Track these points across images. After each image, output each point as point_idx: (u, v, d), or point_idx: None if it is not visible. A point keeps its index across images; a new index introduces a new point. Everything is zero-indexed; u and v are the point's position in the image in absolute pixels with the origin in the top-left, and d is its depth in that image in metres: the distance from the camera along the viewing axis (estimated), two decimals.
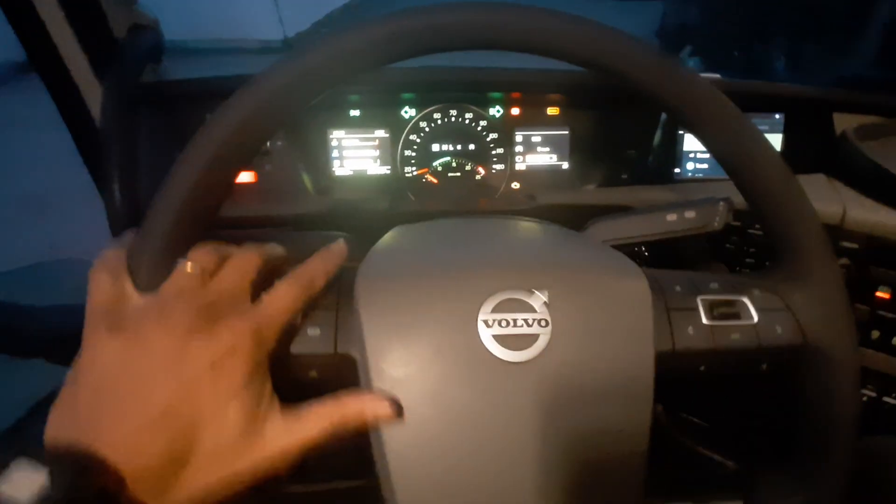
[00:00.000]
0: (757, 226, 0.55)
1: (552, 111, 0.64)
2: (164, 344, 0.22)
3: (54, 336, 0.60)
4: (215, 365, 0.22)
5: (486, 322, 0.26)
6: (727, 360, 0.29)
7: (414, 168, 0.63)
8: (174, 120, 0.54)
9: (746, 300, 0.30)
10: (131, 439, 0.20)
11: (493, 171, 0.65)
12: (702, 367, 0.30)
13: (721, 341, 0.29)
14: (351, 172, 0.62)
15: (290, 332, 0.26)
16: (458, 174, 0.64)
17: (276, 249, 0.27)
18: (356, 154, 0.62)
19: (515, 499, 0.25)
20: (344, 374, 0.27)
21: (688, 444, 0.50)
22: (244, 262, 0.25)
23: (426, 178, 0.64)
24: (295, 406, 0.25)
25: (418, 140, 0.63)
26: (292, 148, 0.59)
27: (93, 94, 0.50)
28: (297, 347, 0.26)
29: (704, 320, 0.29)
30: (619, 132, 0.63)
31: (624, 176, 0.63)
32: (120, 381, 0.21)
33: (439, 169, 0.64)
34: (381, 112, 0.61)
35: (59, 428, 0.21)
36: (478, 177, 0.65)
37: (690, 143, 0.64)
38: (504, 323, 0.26)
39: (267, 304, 0.25)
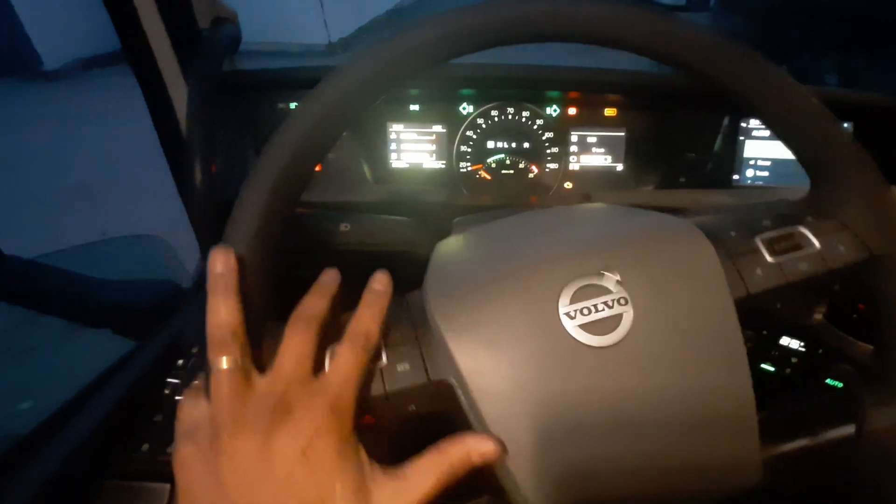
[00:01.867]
0: None
1: (609, 112, 0.64)
2: (249, 451, 0.22)
3: (119, 308, 0.64)
4: (305, 452, 0.22)
5: (568, 315, 0.26)
6: (801, 290, 0.29)
7: (468, 164, 0.64)
8: (246, 108, 0.57)
9: (803, 229, 0.30)
10: None
11: (547, 169, 0.65)
12: (778, 304, 0.30)
13: (791, 275, 0.29)
14: (407, 165, 0.64)
15: (364, 393, 0.26)
16: (512, 171, 0.65)
17: (318, 309, 0.26)
18: (413, 147, 0.64)
19: (638, 477, 0.26)
20: (443, 401, 0.27)
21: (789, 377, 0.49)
22: (296, 343, 0.25)
23: (480, 174, 0.65)
24: (399, 466, 0.25)
25: (474, 136, 0.64)
26: (354, 139, 0.61)
27: (176, 82, 0.53)
28: (391, 385, 0.26)
29: (769, 258, 0.29)
30: (678, 135, 0.62)
31: (682, 179, 0.62)
32: (221, 500, 0.22)
33: (493, 166, 0.65)
34: (439, 107, 0.63)
35: None
36: (531, 175, 0.65)
37: (751, 149, 0.63)
38: (586, 311, 0.26)
39: (333, 375, 0.24)
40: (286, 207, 0.26)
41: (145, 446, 0.43)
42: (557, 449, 0.25)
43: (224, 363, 0.23)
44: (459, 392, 0.26)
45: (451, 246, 0.32)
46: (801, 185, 0.33)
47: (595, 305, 0.26)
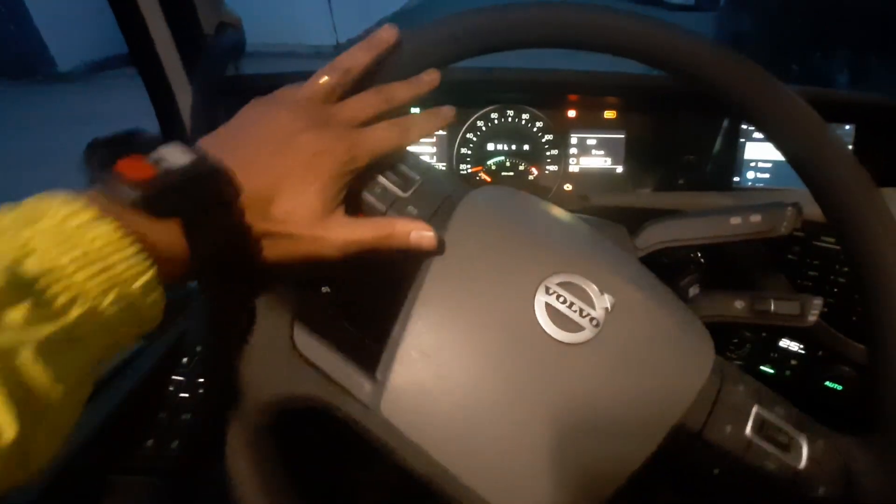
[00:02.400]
0: (823, 237, 0.54)
1: (609, 114, 0.64)
2: (288, 122, 0.26)
3: None
4: (316, 154, 0.26)
5: (547, 288, 0.26)
6: (747, 478, 0.28)
7: (469, 166, 0.65)
8: None
9: (803, 442, 0.28)
10: (249, 163, 0.25)
11: (547, 171, 0.65)
12: (715, 470, 0.28)
13: (751, 459, 0.27)
14: None
15: (372, 167, 0.28)
16: (512, 173, 0.65)
17: (399, 94, 0.30)
18: (414, 150, 0.64)
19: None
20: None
21: None
22: (372, 99, 0.28)
23: (480, 176, 0.65)
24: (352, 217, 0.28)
25: (474, 139, 0.64)
26: None
27: (181, 85, 0.54)
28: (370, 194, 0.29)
29: (748, 430, 0.27)
30: (678, 137, 0.62)
31: (680, 181, 0.62)
32: (252, 128, 0.27)
33: (493, 168, 0.65)
34: None
35: (206, 144, 0.25)
36: (531, 177, 0.66)
37: (752, 151, 0.63)
38: (562, 299, 0.26)
39: (367, 134, 0.28)
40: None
41: (150, 442, 0.45)
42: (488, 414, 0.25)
43: (325, 77, 0.28)
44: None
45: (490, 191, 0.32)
46: (801, 188, 0.33)
47: (572, 303, 0.26)
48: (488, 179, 0.65)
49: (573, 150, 0.65)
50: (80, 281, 0.18)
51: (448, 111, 0.32)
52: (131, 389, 0.46)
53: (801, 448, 0.28)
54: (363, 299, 0.43)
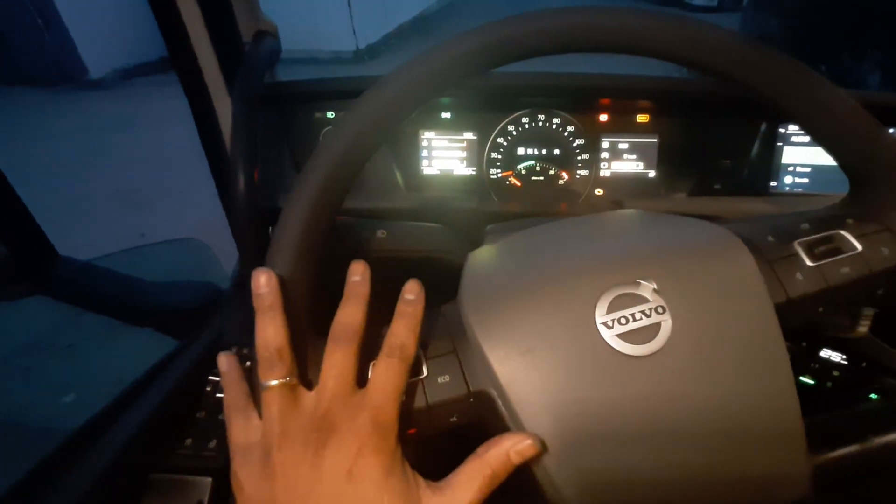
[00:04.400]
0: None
1: (642, 118, 0.63)
2: (298, 469, 0.23)
3: (162, 308, 0.67)
4: (351, 471, 0.23)
5: (605, 324, 0.26)
6: (843, 295, 0.29)
7: (499, 170, 0.65)
8: (285, 117, 0.59)
9: (844, 232, 0.29)
10: None
11: (577, 176, 0.65)
12: (820, 309, 0.29)
13: (832, 279, 0.28)
14: (438, 172, 0.65)
15: (406, 406, 0.26)
16: (542, 178, 0.65)
17: (354, 323, 0.26)
18: (444, 154, 0.65)
19: (676, 487, 0.26)
20: (483, 411, 0.27)
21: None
22: (337, 360, 0.25)
23: (510, 181, 0.65)
24: (444, 479, 0.25)
25: (505, 143, 0.64)
26: (387, 147, 0.62)
27: (220, 93, 0.55)
28: (433, 397, 0.27)
29: (809, 262, 0.29)
30: (713, 141, 0.61)
31: (716, 186, 0.61)
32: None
33: (523, 172, 0.65)
34: (470, 115, 0.63)
35: None
36: (561, 182, 0.65)
37: (790, 155, 0.62)
38: (623, 320, 0.26)
39: (374, 391, 0.25)
40: (325, 225, 0.27)
41: (189, 441, 0.45)
42: (595, 456, 0.25)
43: (273, 382, 0.24)
44: (499, 402, 0.26)
45: (485, 255, 0.32)
46: (842, 193, 0.32)
47: (633, 315, 0.26)
48: (518, 184, 0.65)
49: (604, 155, 0.64)
50: None
51: (412, 287, 0.28)
52: (170, 390, 0.47)
53: (846, 238, 0.29)
54: None
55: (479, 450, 0.26)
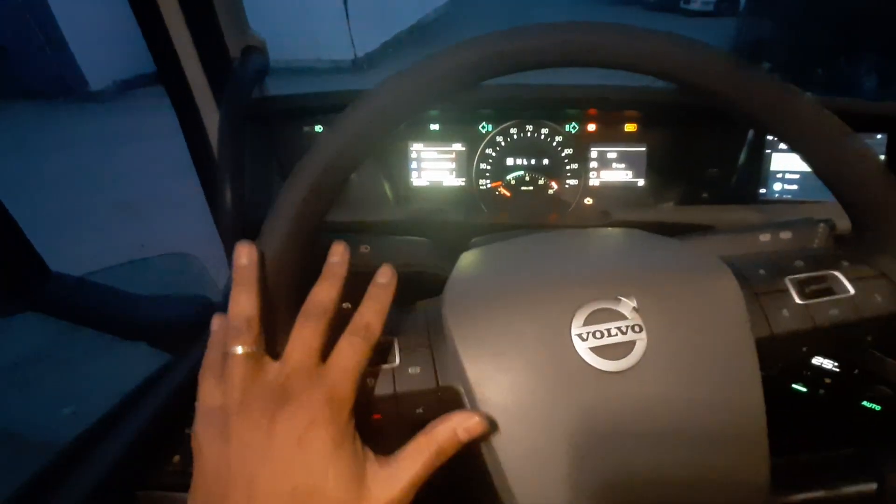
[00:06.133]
0: None
1: (629, 127, 0.63)
2: (252, 435, 0.24)
3: (154, 322, 0.67)
4: (301, 440, 0.24)
5: (580, 336, 0.26)
6: (829, 337, 0.28)
7: (488, 181, 0.65)
8: (273, 132, 0.59)
9: (837, 273, 0.29)
10: None
11: (567, 186, 0.65)
12: (804, 349, 0.29)
13: (820, 319, 0.28)
14: (428, 183, 0.65)
15: (363, 383, 0.27)
16: (531, 188, 0.65)
17: (327, 301, 0.27)
18: (433, 166, 0.65)
19: (637, 495, 0.25)
20: (449, 407, 0.27)
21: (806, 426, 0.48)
22: (305, 335, 0.26)
23: (499, 192, 0.65)
24: (392, 454, 0.26)
25: (494, 154, 0.65)
26: (376, 158, 0.62)
27: (208, 108, 0.56)
28: (401, 387, 0.27)
29: (797, 300, 0.28)
30: (700, 149, 0.61)
31: (704, 195, 0.61)
32: (228, 479, 0.24)
33: (512, 182, 0.65)
34: (459, 126, 0.64)
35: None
36: (550, 191, 0.65)
37: (778, 162, 0.62)
38: (598, 334, 0.26)
39: (333, 367, 0.25)
40: (315, 216, 0.27)
41: (176, 458, 0.45)
42: (555, 464, 0.25)
43: (239, 349, 0.25)
44: (465, 399, 0.27)
45: (473, 259, 0.33)
46: (831, 200, 0.32)
47: (608, 330, 0.26)
48: (508, 194, 0.65)
49: (593, 164, 0.65)
50: None
51: (385, 271, 0.29)
52: (160, 405, 0.47)
53: (839, 279, 0.29)
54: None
55: (428, 427, 0.26)
